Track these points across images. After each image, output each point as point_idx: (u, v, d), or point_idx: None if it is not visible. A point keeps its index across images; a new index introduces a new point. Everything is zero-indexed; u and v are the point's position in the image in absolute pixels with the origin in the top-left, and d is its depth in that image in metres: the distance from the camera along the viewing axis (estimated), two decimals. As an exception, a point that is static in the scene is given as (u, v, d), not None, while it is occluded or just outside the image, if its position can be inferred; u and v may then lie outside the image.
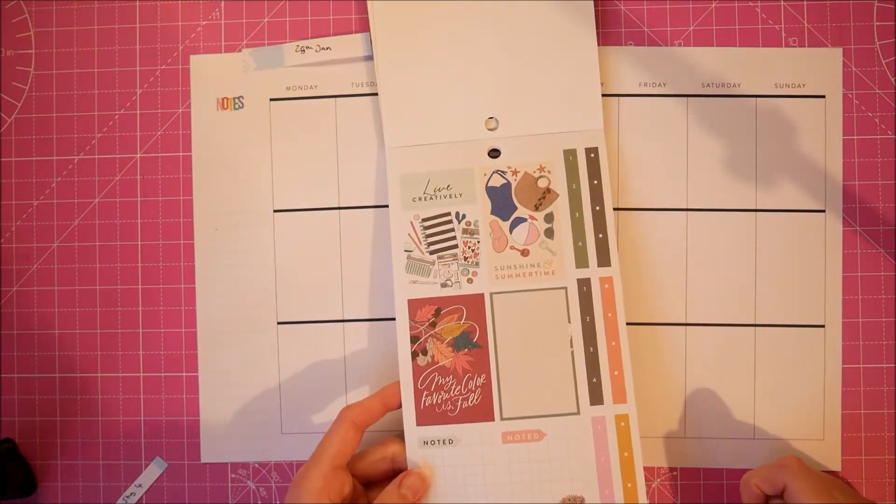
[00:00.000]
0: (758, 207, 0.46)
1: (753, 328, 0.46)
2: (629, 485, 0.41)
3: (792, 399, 0.46)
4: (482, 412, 0.42)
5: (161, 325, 0.48)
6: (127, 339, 0.48)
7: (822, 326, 0.46)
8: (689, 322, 0.46)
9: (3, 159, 0.49)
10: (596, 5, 0.46)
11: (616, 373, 0.42)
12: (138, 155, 0.48)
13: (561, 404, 0.42)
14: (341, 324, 0.47)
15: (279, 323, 0.47)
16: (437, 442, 0.42)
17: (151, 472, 0.47)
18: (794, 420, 0.46)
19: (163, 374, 0.48)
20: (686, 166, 0.46)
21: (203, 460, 0.47)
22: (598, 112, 0.45)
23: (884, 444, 0.45)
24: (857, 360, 0.46)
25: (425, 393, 0.43)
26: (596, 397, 0.42)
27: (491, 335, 0.43)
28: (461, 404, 0.42)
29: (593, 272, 0.43)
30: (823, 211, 0.46)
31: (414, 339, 0.43)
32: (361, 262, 0.47)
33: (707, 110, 0.46)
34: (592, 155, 0.44)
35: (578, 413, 0.42)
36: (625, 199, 0.46)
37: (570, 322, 0.43)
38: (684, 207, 0.46)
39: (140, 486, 0.47)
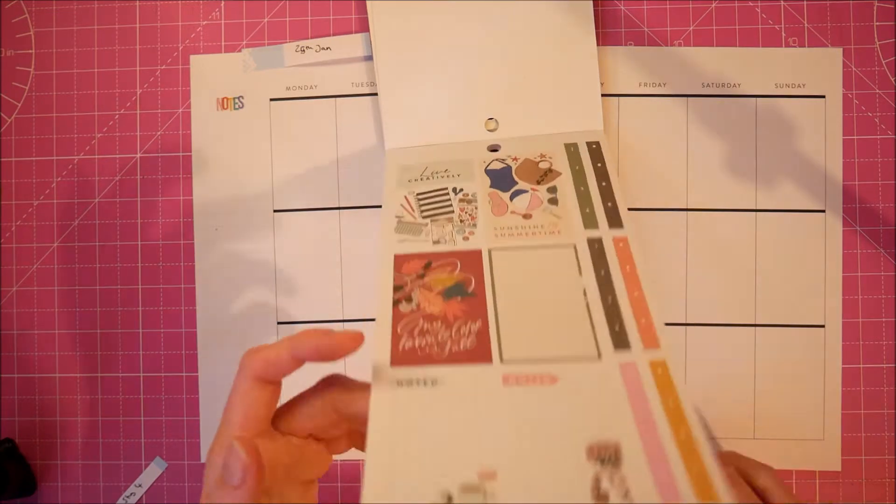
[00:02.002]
0: (758, 207, 0.46)
1: (753, 328, 0.46)
2: (682, 433, 0.29)
3: (792, 399, 0.46)
4: (478, 354, 0.32)
5: (161, 325, 0.48)
6: (127, 339, 0.48)
7: (822, 326, 0.46)
8: (689, 322, 0.46)
9: (3, 159, 0.49)
10: (596, 5, 0.46)
11: (643, 320, 0.33)
12: (138, 155, 0.48)
13: (577, 348, 0.32)
14: (341, 324, 0.47)
15: (279, 323, 0.47)
16: (415, 382, 0.31)
17: (151, 472, 0.47)
18: (794, 420, 0.46)
19: (163, 374, 0.48)
20: (686, 166, 0.46)
21: (203, 460, 0.47)
22: (597, 112, 0.45)
23: (884, 444, 0.45)
24: (857, 360, 0.46)
25: (405, 337, 0.33)
26: (621, 342, 0.32)
27: (489, 286, 0.35)
28: (450, 348, 0.32)
29: (605, 232, 0.37)
30: (823, 211, 0.46)
31: (398, 289, 0.35)
32: (361, 262, 0.47)
33: (707, 110, 0.46)
34: (594, 146, 0.43)
35: (600, 358, 0.32)
36: (625, 198, 0.46)
37: (581, 275, 0.35)
38: (684, 207, 0.46)
39: (140, 486, 0.47)
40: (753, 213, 0.46)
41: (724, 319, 0.46)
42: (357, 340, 0.30)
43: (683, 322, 0.46)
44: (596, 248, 0.36)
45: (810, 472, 0.45)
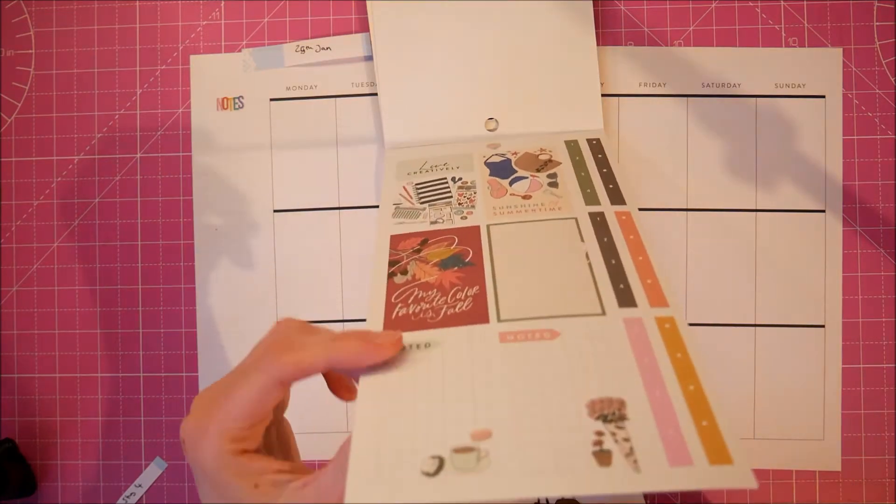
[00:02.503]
0: (758, 207, 0.46)
1: (753, 328, 0.46)
2: (691, 387, 0.27)
3: (792, 399, 0.46)
4: (474, 316, 0.31)
5: (161, 325, 0.48)
6: (127, 339, 0.48)
7: (822, 326, 0.46)
8: (689, 322, 0.46)
9: (3, 159, 0.49)
10: (596, 5, 0.46)
11: (650, 281, 0.32)
12: (138, 155, 0.48)
13: (580, 305, 0.31)
14: (341, 324, 0.47)
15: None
16: (409, 347, 0.29)
17: (151, 472, 0.47)
18: (794, 420, 0.46)
19: (163, 374, 0.48)
20: (686, 166, 0.46)
21: (203, 460, 0.47)
22: (597, 112, 0.45)
23: (884, 445, 0.45)
24: (857, 360, 0.46)
25: (399, 306, 0.32)
26: (626, 300, 0.31)
27: (487, 256, 0.34)
28: (445, 312, 0.31)
29: (606, 208, 0.36)
30: (823, 211, 0.46)
31: (393, 263, 0.35)
32: (361, 262, 0.47)
33: (707, 110, 0.46)
34: (595, 142, 0.43)
35: (604, 314, 0.30)
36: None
37: (583, 241, 0.34)
38: (684, 207, 0.46)
39: (140, 486, 0.47)
40: (753, 213, 0.46)
41: (724, 319, 0.46)
42: (398, 345, 0.28)
43: (683, 322, 0.46)
44: (598, 220, 0.35)
45: (810, 472, 0.45)
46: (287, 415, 0.35)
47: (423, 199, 0.39)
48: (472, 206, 0.38)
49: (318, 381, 0.47)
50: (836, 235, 0.46)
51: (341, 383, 0.33)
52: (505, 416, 0.26)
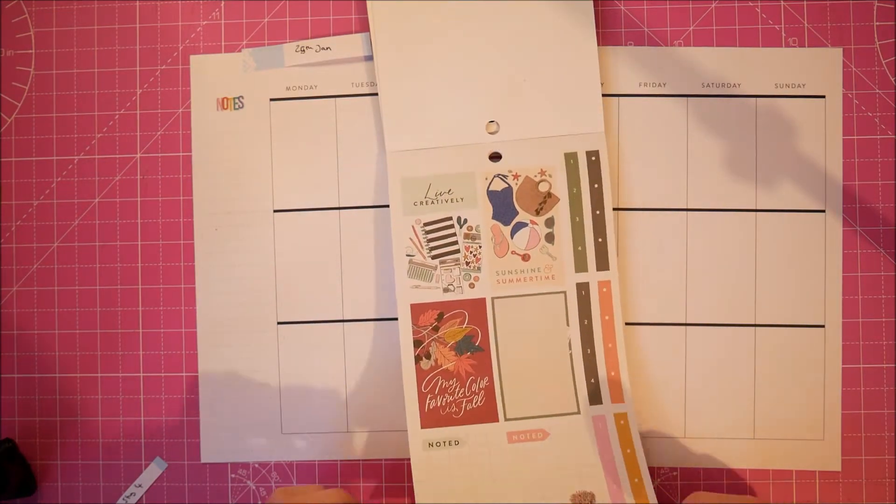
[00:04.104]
0: (758, 207, 0.46)
1: (753, 328, 0.46)
2: (636, 480, 0.42)
3: (792, 399, 0.46)
4: (487, 413, 0.43)
5: (161, 325, 0.48)
6: (127, 339, 0.48)
7: (822, 326, 0.46)
8: (689, 322, 0.46)
9: (3, 159, 0.49)
10: (596, 5, 0.46)
11: (613, 373, 0.43)
12: (138, 155, 0.48)
13: (562, 404, 0.43)
14: (341, 324, 0.47)
15: (279, 323, 0.47)
16: (442, 444, 0.43)
17: (151, 472, 0.47)
18: (794, 420, 0.46)
19: (163, 374, 0.48)
20: (686, 166, 0.46)
21: (203, 460, 0.47)
22: (598, 114, 0.45)
23: (884, 444, 0.45)
24: (857, 360, 0.46)
25: (429, 396, 0.43)
26: (595, 397, 0.43)
27: (493, 338, 0.44)
28: (465, 406, 0.43)
29: (592, 276, 0.44)
30: (823, 211, 0.46)
31: (417, 344, 0.44)
32: (361, 262, 0.47)
33: (707, 110, 0.46)
34: (593, 158, 0.44)
35: (579, 412, 0.43)
36: (625, 200, 0.46)
37: (568, 325, 0.44)
38: (684, 207, 0.46)
39: (140, 486, 0.47)
40: (753, 213, 0.46)
41: (724, 319, 0.46)
42: None
43: (683, 322, 0.46)
44: (583, 294, 0.44)
45: (810, 472, 0.46)
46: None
47: (433, 251, 0.44)
48: (479, 269, 0.44)
49: (318, 382, 0.47)
50: (836, 235, 0.46)
51: None
52: None
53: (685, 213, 0.46)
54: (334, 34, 0.48)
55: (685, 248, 0.46)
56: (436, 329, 0.44)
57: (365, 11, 0.47)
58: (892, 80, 0.46)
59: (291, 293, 0.47)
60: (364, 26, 0.47)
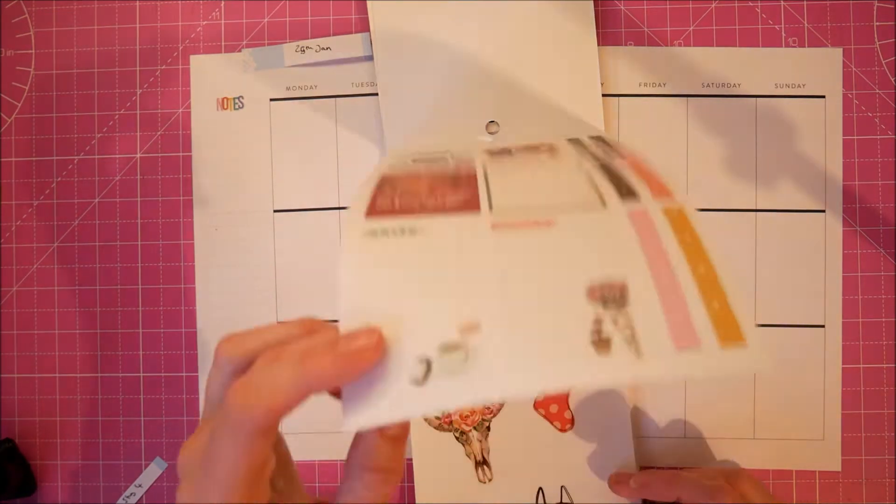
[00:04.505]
0: (758, 207, 0.46)
1: (753, 328, 0.46)
2: (702, 269, 0.24)
3: (792, 399, 0.46)
4: (465, 205, 0.28)
5: (161, 325, 0.48)
6: (127, 339, 0.48)
7: (822, 326, 0.46)
8: (689, 322, 0.46)
9: (3, 159, 0.49)
10: (596, 5, 0.46)
11: (654, 180, 0.29)
12: (138, 155, 0.48)
13: (577, 197, 0.28)
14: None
15: (279, 323, 0.47)
16: (392, 232, 0.26)
17: (151, 473, 0.47)
18: (794, 420, 0.46)
19: (163, 374, 0.48)
20: (686, 166, 0.46)
21: (203, 460, 0.47)
22: (598, 113, 0.45)
23: (884, 445, 0.45)
24: (857, 360, 0.46)
25: (383, 197, 0.29)
26: (627, 192, 0.28)
27: (482, 174, 0.31)
28: (434, 202, 0.28)
29: (613, 157, 0.33)
30: (823, 211, 0.46)
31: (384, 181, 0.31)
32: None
33: (707, 110, 0.46)
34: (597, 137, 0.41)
35: (605, 206, 0.27)
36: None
37: (584, 153, 0.32)
38: (684, 207, 0.46)
39: (140, 486, 0.47)
40: (753, 213, 0.46)
41: (724, 319, 0.46)
42: (379, 347, 0.23)
43: (683, 322, 0.46)
44: (603, 144, 0.33)
45: (810, 472, 0.45)
46: (290, 416, 0.33)
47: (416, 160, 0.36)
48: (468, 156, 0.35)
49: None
50: (836, 235, 0.46)
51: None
52: (494, 306, 0.23)
53: (685, 213, 0.46)
54: (334, 34, 0.48)
55: (685, 248, 0.46)
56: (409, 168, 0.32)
57: (365, 11, 0.47)
58: (892, 80, 0.46)
59: (291, 293, 0.47)
60: (364, 26, 0.47)
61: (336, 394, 0.26)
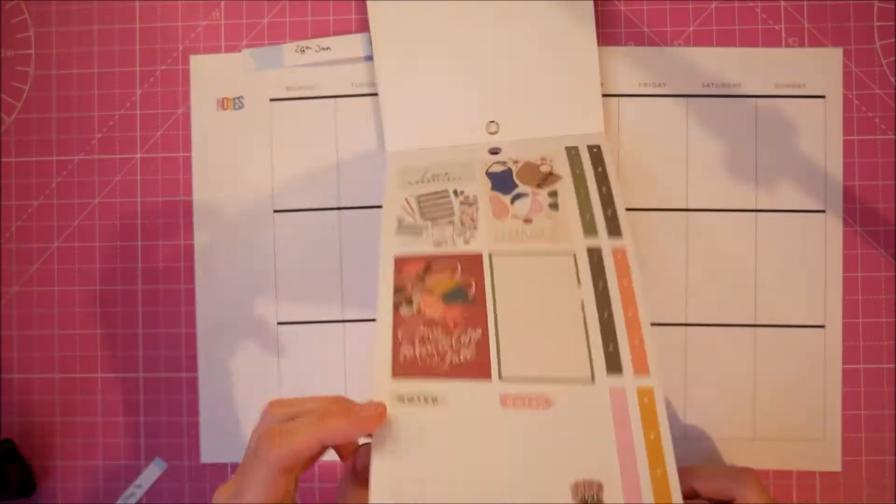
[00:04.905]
0: (758, 207, 0.46)
1: (753, 328, 0.46)
2: (658, 472, 0.31)
3: (792, 399, 0.46)
4: (477, 368, 0.33)
5: (161, 325, 0.48)
6: (127, 339, 0.48)
7: (822, 327, 0.46)
8: (689, 322, 0.46)
9: (3, 159, 0.49)
10: (596, 5, 0.46)
11: (636, 340, 0.34)
12: (138, 155, 0.48)
13: (572, 368, 0.34)
14: (341, 324, 0.47)
15: (279, 323, 0.47)
16: (417, 399, 0.32)
17: (151, 473, 0.47)
18: (794, 420, 0.46)
19: (163, 374, 0.48)
20: (686, 166, 0.46)
21: (203, 460, 0.47)
22: (598, 113, 0.45)
23: (884, 445, 0.45)
24: (857, 360, 0.46)
25: (406, 343, 0.34)
26: (614, 365, 0.34)
27: (489, 292, 0.36)
28: (451, 359, 0.33)
29: (604, 242, 0.37)
30: (823, 211, 0.46)
31: (398, 290, 0.36)
32: (361, 262, 0.47)
33: (707, 110, 0.46)
34: (595, 150, 0.43)
35: (593, 381, 0.33)
36: (625, 200, 0.46)
37: (580, 285, 0.36)
38: (684, 207, 0.46)
39: (140, 486, 0.47)
40: (753, 213, 0.46)
41: (724, 319, 0.46)
42: (382, 416, 0.31)
43: (683, 322, 0.46)
44: (595, 259, 0.37)
45: (810, 472, 0.45)
46: None
47: (426, 214, 0.39)
48: (475, 227, 0.38)
49: (318, 383, 0.47)
50: (836, 235, 0.46)
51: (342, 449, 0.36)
52: (502, 490, 0.30)
53: (685, 213, 0.46)
54: (334, 34, 0.48)
55: (685, 248, 0.46)
56: (422, 279, 0.36)
57: (365, 11, 0.47)
58: (892, 80, 0.46)
59: (291, 293, 0.47)
60: (364, 26, 0.47)
61: (344, 455, 0.35)
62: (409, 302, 0.35)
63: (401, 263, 0.37)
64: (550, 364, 0.34)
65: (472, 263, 0.37)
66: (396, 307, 0.35)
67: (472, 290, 0.36)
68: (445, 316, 0.35)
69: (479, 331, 0.34)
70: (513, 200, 0.40)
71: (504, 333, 0.35)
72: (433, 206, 0.40)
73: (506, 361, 0.34)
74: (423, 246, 0.37)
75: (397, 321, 0.35)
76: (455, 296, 0.36)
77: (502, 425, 0.32)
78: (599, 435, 0.32)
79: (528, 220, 0.39)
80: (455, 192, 0.40)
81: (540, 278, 0.36)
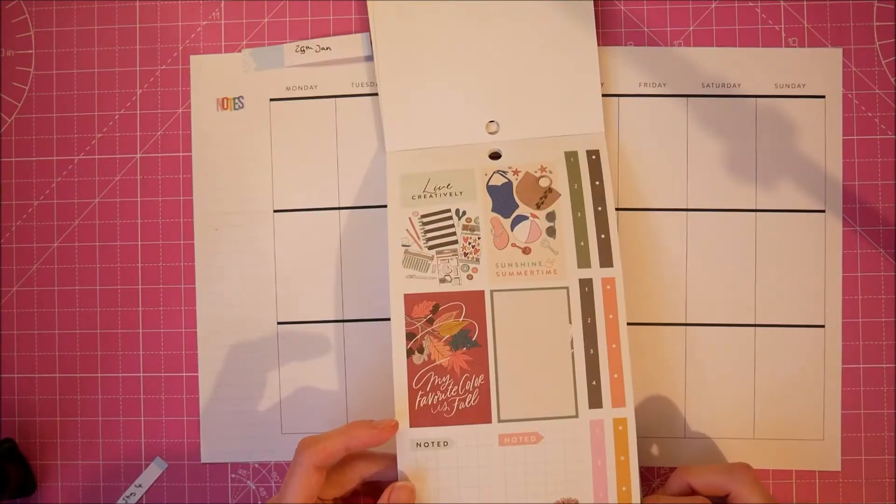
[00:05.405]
0: (758, 207, 0.46)
1: (753, 328, 0.46)
2: (623, 488, 0.40)
3: (792, 399, 0.46)
4: (479, 414, 0.41)
5: (161, 325, 0.48)
6: (127, 339, 0.48)
7: (822, 326, 0.46)
8: (689, 322, 0.46)
9: (3, 159, 0.49)
10: (596, 5, 0.46)
11: (616, 376, 0.41)
12: (138, 155, 0.48)
13: (560, 407, 0.41)
14: (341, 324, 0.47)
15: (279, 323, 0.47)
16: (431, 444, 0.41)
17: (151, 472, 0.47)
18: (794, 420, 0.46)
19: (163, 374, 0.48)
20: (686, 166, 0.46)
21: (203, 460, 0.47)
22: (598, 114, 0.45)
23: (884, 445, 0.45)
24: (857, 360, 0.46)
25: (420, 393, 0.41)
26: (595, 400, 0.41)
27: (490, 334, 0.42)
28: (458, 405, 0.41)
29: (595, 272, 0.42)
30: (823, 211, 0.46)
31: (410, 336, 0.42)
32: (361, 262, 0.47)
33: (707, 110, 0.46)
34: (594, 157, 0.44)
35: (577, 416, 0.41)
36: (625, 200, 0.46)
37: (570, 323, 0.42)
38: (684, 207, 0.46)
39: (140, 486, 0.47)
40: (753, 213, 0.46)
41: (724, 319, 0.46)
42: (395, 427, 0.40)
43: (683, 322, 0.46)
44: (586, 291, 0.42)
45: (810, 472, 0.46)
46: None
47: (430, 241, 0.43)
48: (477, 260, 0.43)
49: (318, 382, 0.47)
50: (836, 235, 0.46)
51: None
52: None
53: (685, 213, 0.46)
54: (334, 34, 0.48)
55: (685, 248, 0.46)
56: (430, 322, 0.42)
57: (365, 11, 0.47)
58: (892, 80, 0.46)
59: (291, 293, 0.47)
60: (364, 26, 0.47)
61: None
62: (421, 350, 0.42)
63: (410, 302, 0.42)
64: (542, 404, 0.41)
65: (475, 303, 0.42)
66: (409, 354, 0.42)
67: (476, 334, 0.42)
68: (453, 364, 0.42)
69: (482, 377, 0.41)
70: (512, 226, 0.43)
71: (503, 377, 0.41)
72: (437, 231, 0.43)
73: (504, 405, 0.41)
74: (429, 284, 0.42)
75: (411, 370, 0.41)
76: (461, 341, 0.42)
77: (501, 460, 0.41)
78: (579, 460, 0.41)
79: (526, 250, 0.43)
80: (458, 213, 0.44)
81: (535, 315, 0.42)
